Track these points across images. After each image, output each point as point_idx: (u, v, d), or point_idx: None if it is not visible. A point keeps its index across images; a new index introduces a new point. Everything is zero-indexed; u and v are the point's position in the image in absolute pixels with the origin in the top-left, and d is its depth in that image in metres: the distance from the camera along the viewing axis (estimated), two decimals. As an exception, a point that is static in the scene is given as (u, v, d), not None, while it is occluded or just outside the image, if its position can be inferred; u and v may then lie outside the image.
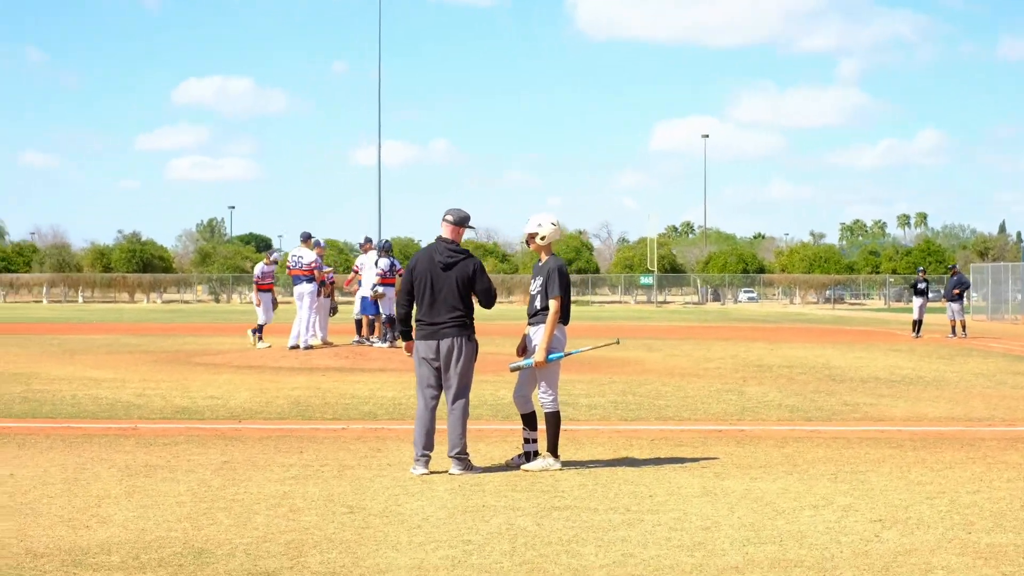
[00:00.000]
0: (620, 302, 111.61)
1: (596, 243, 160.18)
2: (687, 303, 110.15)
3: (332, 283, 26.56)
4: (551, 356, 11.06)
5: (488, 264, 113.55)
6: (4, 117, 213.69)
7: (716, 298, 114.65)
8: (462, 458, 10.84)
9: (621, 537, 8.23)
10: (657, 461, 11.56)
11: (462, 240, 11.17)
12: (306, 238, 25.51)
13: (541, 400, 11.20)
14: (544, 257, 11.34)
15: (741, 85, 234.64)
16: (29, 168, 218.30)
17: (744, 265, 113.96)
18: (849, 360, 26.25)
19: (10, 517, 8.79)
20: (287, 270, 25.77)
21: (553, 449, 11.14)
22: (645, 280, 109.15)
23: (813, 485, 10.31)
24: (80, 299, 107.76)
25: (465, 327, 10.87)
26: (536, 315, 11.25)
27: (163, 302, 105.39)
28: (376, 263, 25.22)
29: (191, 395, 17.20)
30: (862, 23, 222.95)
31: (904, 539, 8.27)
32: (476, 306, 11.13)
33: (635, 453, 12.07)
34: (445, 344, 10.80)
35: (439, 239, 11.07)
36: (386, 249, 25.45)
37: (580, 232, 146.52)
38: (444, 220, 11.09)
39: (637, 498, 9.64)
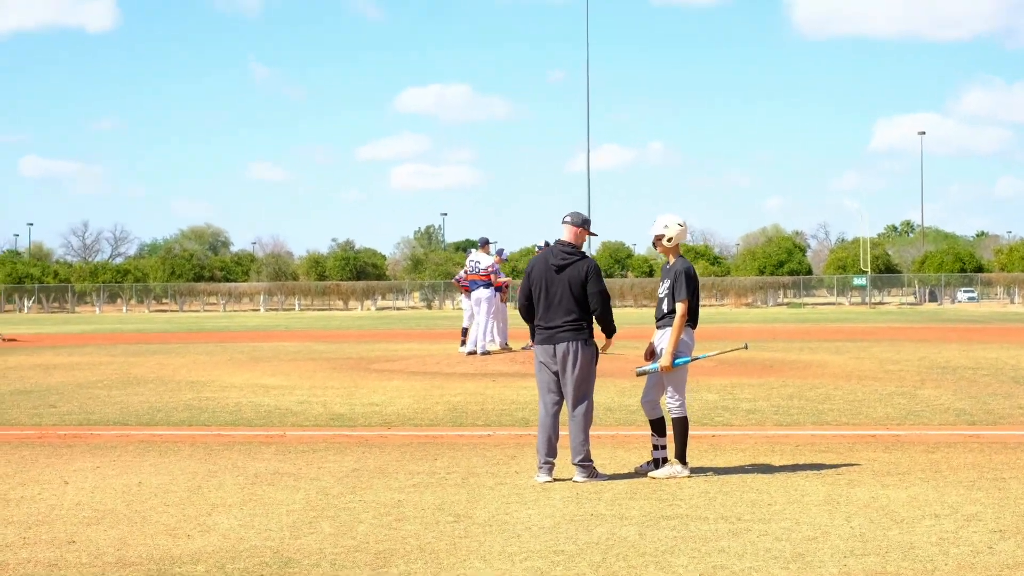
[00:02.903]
0: (835, 304, 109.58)
1: (813, 244, 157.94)
2: (903, 304, 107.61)
3: (508, 287, 26.55)
4: (677, 361, 10.79)
5: (698, 267, 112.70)
6: (232, 131, 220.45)
7: (933, 298, 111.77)
8: (585, 465, 10.62)
9: (720, 548, 7.95)
10: (793, 468, 11.18)
11: (583, 244, 10.95)
12: (484, 243, 25.62)
13: (668, 405, 10.93)
14: (672, 259, 11.07)
15: (966, 80, 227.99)
16: (255, 180, 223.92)
17: (961, 264, 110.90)
18: (1044, 361, 25.20)
19: (118, 525, 8.90)
20: (465, 275, 25.79)
21: (681, 456, 10.85)
22: (858, 281, 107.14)
23: (946, 493, 9.83)
24: (297, 307, 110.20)
25: (581, 331, 10.61)
26: (663, 318, 10.99)
27: (376, 309, 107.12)
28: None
29: (352, 402, 17.32)
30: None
31: (1019, 550, 7.80)
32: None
33: (773, 459, 11.70)
34: (561, 348, 10.59)
35: (558, 241, 10.88)
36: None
37: (797, 233, 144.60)
38: (564, 222, 10.89)
39: (754, 506, 9.31)
